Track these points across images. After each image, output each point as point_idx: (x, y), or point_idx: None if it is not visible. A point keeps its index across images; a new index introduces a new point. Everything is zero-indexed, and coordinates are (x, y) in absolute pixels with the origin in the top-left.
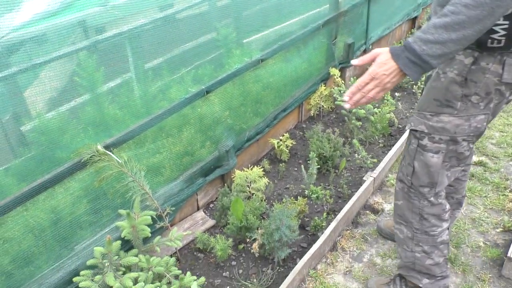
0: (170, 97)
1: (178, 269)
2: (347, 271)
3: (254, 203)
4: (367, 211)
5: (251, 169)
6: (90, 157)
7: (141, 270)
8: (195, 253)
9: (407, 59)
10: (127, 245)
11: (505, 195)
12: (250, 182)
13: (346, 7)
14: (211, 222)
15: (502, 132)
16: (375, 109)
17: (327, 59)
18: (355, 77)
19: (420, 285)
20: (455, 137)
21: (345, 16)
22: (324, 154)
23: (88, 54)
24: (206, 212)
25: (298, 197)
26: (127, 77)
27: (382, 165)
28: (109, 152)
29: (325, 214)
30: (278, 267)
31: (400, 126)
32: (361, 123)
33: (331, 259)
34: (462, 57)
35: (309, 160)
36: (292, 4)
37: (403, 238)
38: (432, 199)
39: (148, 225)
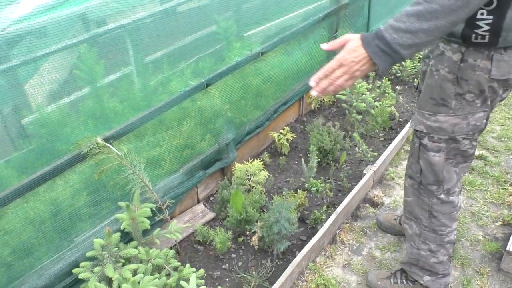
0: (170, 90)
1: (178, 261)
2: (346, 264)
3: (253, 196)
4: (367, 205)
5: (251, 162)
6: (90, 149)
7: (141, 262)
8: (194, 245)
9: (377, 47)
10: (126, 237)
11: (505, 188)
12: (250, 175)
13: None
14: (211, 215)
15: (503, 126)
16: (376, 102)
17: (328, 52)
18: None
19: (421, 282)
20: (454, 136)
21: (346, 9)
22: (324, 148)
23: (88, 47)
24: (206, 205)
25: (298, 190)
26: (128, 70)
27: (382, 158)
28: (108, 145)
29: (324, 207)
30: (277, 260)
31: (401, 119)
32: (361, 116)
33: (330, 252)
34: (450, 53)
35: (309, 154)
36: None
37: (411, 234)
38: (442, 196)
39: (148, 218)
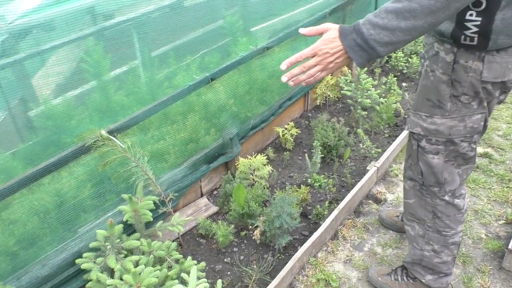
0: (175, 84)
1: (180, 254)
2: (347, 260)
3: (256, 190)
4: (370, 201)
5: (255, 157)
6: (94, 141)
7: (143, 253)
8: (197, 239)
9: (354, 41)
10: (129, 229)
11: (509, 187)
12: (254, 169)
13: None
14: (214, 209)
15: (509, 124)
16: (381, 99)
17: None
18: None
19: (423, 281)
20: (451, 138)
21: (353, 4)
22: (328, 143)
23: (95, 40)
24: (210, 199)
25: (301, 185)
26: (134, 64)
27: (386, 154)
28: (112, 137)
29: (327, 203)
30: (278, 254)
31: (406, 116)
32: (366, 113)
33: (332, 248)
34: (443, 54)
35: (313, 149)
36: None
37: (414, 235)
38: (446, 198)
39: (151, 210)
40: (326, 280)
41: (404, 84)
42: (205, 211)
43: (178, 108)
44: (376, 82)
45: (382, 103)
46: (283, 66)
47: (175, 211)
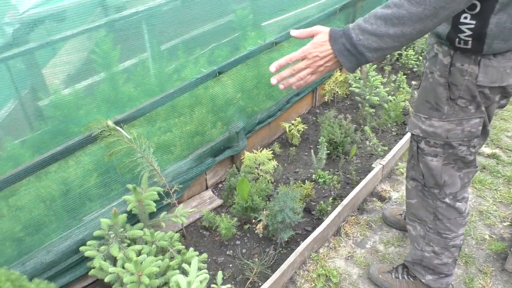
0: (183, 77)
1: (183, 245)
2: (348, 256)
3: (260, 185)
4: (374, 198)
5: (261, 151)
6: (100, 131)
7: (146, 243)
8: (200, 230)
9: (343, 45)
10: (134, 219)
11: None
12: (259, 164)
13: None
14: (218, 202)
15: None
16: (390, 96)
17: None
18: (370, 64)
19: (423, 280)
20: (449, 141)
21: (363, 1)
22: (334, 140)
23: (105, 32)
24: (215, 192)
25: (306, 181)
26: (144, 56)
27: (392, 153)
28: (119, 128)
29: (331, 199)
30: (280, 249)
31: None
32: (374, 110)
33: (334, 244)
34: (441, 56)
35: (319, 145)
36: None
37: (415, 235)
38: (447, 200)
39: (156, 201)
40: (327, 276)
41: (413, 82)
42: (209, 203)
43: (185, 100)
44: (385, 80)
45: (391, 101)
46: (272, 68)
47: (179, 203)
